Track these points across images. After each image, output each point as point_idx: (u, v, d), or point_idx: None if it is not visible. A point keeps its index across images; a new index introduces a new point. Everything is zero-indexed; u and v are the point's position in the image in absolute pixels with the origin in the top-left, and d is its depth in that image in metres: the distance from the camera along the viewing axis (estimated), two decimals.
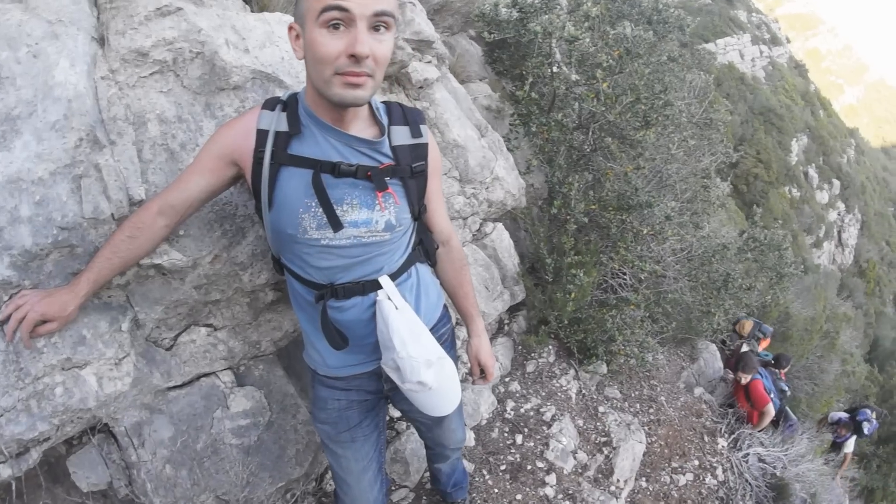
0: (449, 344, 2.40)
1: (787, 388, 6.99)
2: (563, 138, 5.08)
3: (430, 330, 2.16)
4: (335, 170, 1.84)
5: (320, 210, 1.86)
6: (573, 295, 4.45)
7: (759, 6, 58.17)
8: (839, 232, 39.08)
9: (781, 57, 52.22)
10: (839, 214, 39.48)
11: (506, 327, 4.93)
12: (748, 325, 7.51)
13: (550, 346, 4.97)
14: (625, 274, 5.21)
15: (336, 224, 1.86)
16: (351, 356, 2.15)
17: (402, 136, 2.01)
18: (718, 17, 46.23)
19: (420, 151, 2.05)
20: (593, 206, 4.76)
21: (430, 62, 4.39)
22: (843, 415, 9.26)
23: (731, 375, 7.09)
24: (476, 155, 4.40)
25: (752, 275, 6.28)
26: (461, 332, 4.01)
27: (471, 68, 5.58)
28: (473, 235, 4.57)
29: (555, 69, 5.40)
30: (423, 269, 2.28)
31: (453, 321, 2.56)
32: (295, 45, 1.76)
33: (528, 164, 5.15)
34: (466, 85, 5.34)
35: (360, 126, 1.92)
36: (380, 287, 2.03)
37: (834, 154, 42.20)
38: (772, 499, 5.37)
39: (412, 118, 2.06)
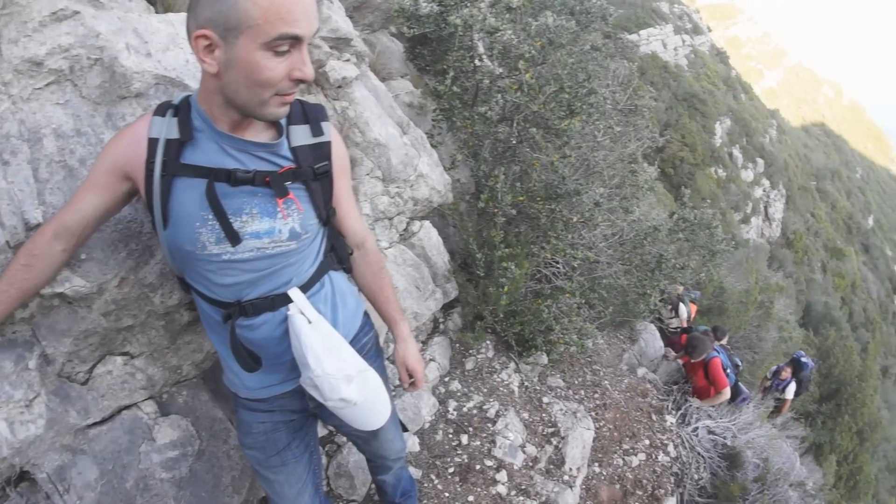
0: (373, 353, 2.27)
1: (739, 363, 7.14)
2: (487, 131, 4.96)
3: (351, 341, 2.04)
4: (231, 178, 1.69)
5: (217, 223, 1.71)
6: (506, 288, 4.32)
7: None
8: (766, 207, 40.41)
9: (703, 45, 53.52)
10: (764, 191, 40.80)
11: (441, 326, 4.80)
12: (680, 288, 7.61)
13: (488, 342, 4.86)
14: (558, 263, 5.09)
15: (234, 237, 1.72)
16: (269, 376, 2.01)
17: (302, 135, 1.85)
18: (641, 9, 47.09)
19: (322, 151, 1.89)
20: (521, 198, 4.62)
21: (348, 60, 4.19)
22: (780, 366, 9.48)
23: (672, 354, 7.05)
24: (398, 153, 4.25)
25: (684, 254, 6.24)
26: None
27: (392, 65, 5.41)
28: (401, 235, 4.41)
29: (477, 62, 5.22)
30: (338, 277, 2.11)
31: (376, 328, 2.38)
32: (206, 57, 1.54)
33: (452, 159, 5.04)
34: (388, 82, 5.17)
35: (257, 129, 1.76)
36: (290, 301, 1.88)
37: (757, 135, 43.56)
38: (725, 468, 5.39)
39: (313, 115, 1.89)
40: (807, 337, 19.45)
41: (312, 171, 1.85)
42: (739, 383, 6.96)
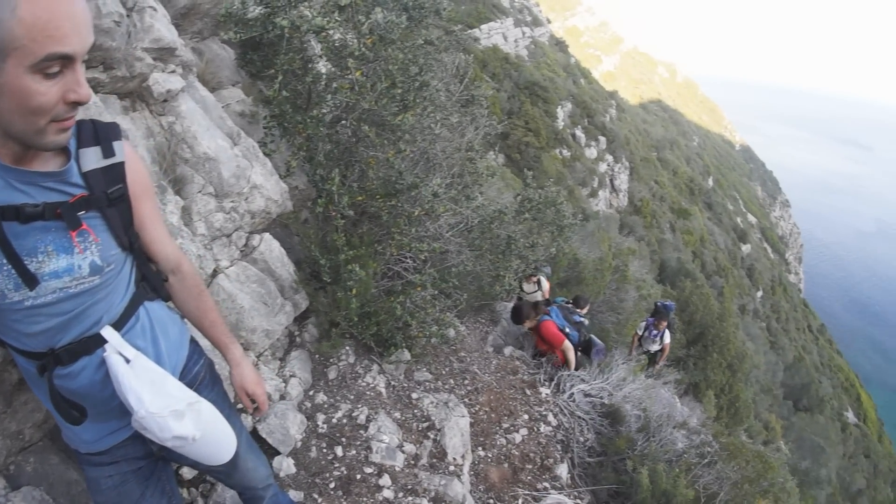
0: (208, 381, 2.10)
1: (582, 319, 7.13)
2: (321, 134, 4.70)
3: (182, 372, 1.91)
4: (20, 214, 1.49)
5: (12, 267, 1.51)
6: (355, 291, 4.18)
7: None
8: (611, 180, 42.81)
9: (543, 36, 55.58)
10: (609, 165, 43.15)
11: (297, 339, 4.60)
12: (533, 278, 7.67)
13: (347, 348, 4.71)
14: (407, 258, 4.90)
15: (31, 280, 1.53)
16: (103, 425, 1.83)
17: (93, 158, 1.66)
18: (483, 4, 48.06)
19: (115, 173, 1.70)
20: (360, 198, 4.47)
21: (173, 72, 3.95)
22: (650, 318, 9.79)
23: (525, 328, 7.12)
24: (229, 166, 4.02)
25: (534, 232, 6.25)
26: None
27: (222, 73, 5.10)
28: (241, 252, 4.17)
29: (310, 65, 4.94)
30: (156, 307, 1.93)
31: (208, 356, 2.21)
32: None
33: (287, 166, 4.85)
34: (218, 92, 4.89)
35: (45, 157, 1.55)
36: (106, 341, 1.70)
37: (597, 115, 45.91)
38: (608, 425, 5.49)
39: (104, 135, 1.69)
40: (665, 291, 20.68)
41: (106, 197, 1.66)
42: (592, 336, 7.05)
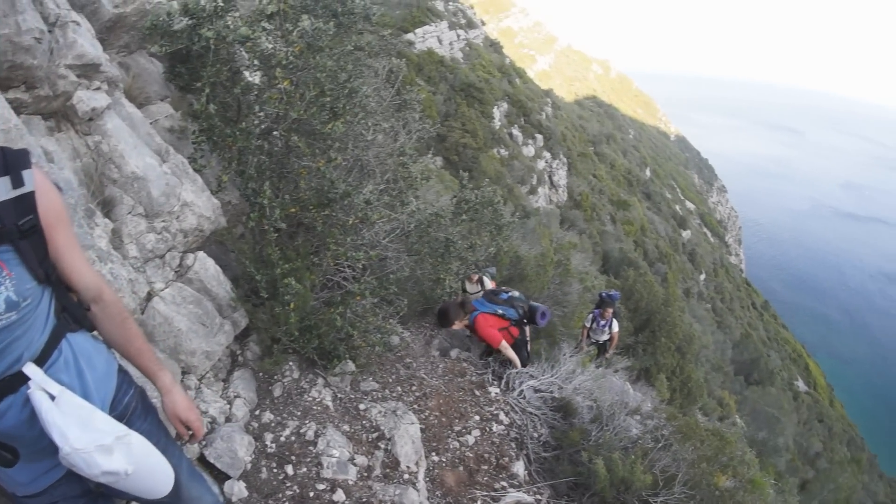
0: (140, 412, 2.06)
1: (510, 294, 6.67)
2: (251, 146, 4.58)
3: (111, 404, 1.88)
4: None
5: None
6: (292, 305, 4.13)
7: None
8: (550, 176, 43.55)
9: (477, 38, 55.90)
10: (547, 162, 43.87)
11: (240, 358, 4.53)
12: (475, 277, 7.57)
13: (291, 363, 4.67)
14: (345, 267, 4.84)
15: None
16: (37, 465, 1.78)
17: (1, 190, 1.62)
18: (417, 9, 48.10)
19: (26, 204, 1.66)
20: (293, 210, 4.36)
21: (98, 89, 3.83)
22: (596, 310, 9.89)
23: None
24: (158, 184, 3.92)
25: (474, 233, 6.25)
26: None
27: (150, 88, 4.98)
28: (176, 272, 4.07)
29: (238, 76, 4.90)
30: (79, 339, 1.88)
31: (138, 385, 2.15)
32: None
33: (218, 181, 4.73)
34: (146, 107, 4.77)
35: None
36: (29, 379, 1.67)
37: (533, 113, 46.56)
38: (560, 419, 5.50)
39: (13, 164, 1.65)
40: (609, 282, 21.09)
41: (17, 229, 1.62)
42: (531, 303, 6.77)
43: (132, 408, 2.00)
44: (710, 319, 38.45)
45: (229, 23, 4.74)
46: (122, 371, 2.04)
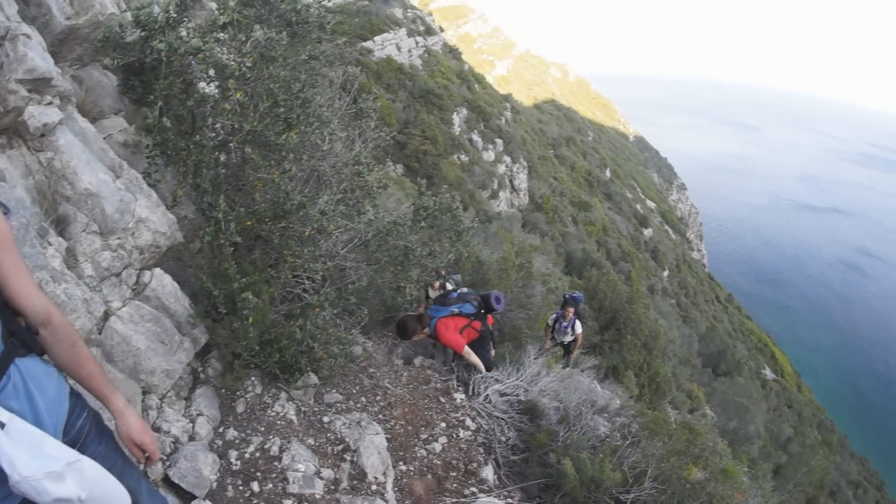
0: (94, 435, 2.03)
1: (460, 291, 6.66)
2: (205, 160, 4.55)
3: (64, 429, 1.85)
4: None
5: None
6: (251, 319, 4.10)
7: (414, 2, 61.85)
8: (511, 180, 43.97)
9: (436, 45, 56.13)
10: (507, 166, 44.40)
11: (201, 375, 4.49)
12: (436, 284, 7.50)
13: (253, 378, 4.63)
14: (305, 279, 4.82)
15: None
16: None
17: None
18: (376, 17, 48.12)
19: None
20: (249, 223, 4.31)
21: (50, 103, 3.75)
22: (559, 311, 9.95)
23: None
24: (112, 200, 3.87)
25: (434, 240, 6.25)
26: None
27: (104, 101, 4.88)
28: (133, 290, 4.00)
29: (192, 88, 4.83)
30: (29, 363, 1.85)
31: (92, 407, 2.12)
32: None
33: (174, 195, 4.66)
34: (99, 122, 4.68)
35: None
36: None
37: (493, 118, 47.14)
38: (528, 421, 5.52)
39: None
40: (573, 282, 21.31)
41: None
42: (486, 293, 6.74)
43: (86, 432, 1.98)
44: (675, 314, 39.11)
45: (183, 34, 4.69)
46: (74, 394, 2.02)
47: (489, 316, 6.66)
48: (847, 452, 42.06)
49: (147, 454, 2.12)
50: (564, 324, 9.91)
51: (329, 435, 4.37)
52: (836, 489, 31.50)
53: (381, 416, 5.02)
